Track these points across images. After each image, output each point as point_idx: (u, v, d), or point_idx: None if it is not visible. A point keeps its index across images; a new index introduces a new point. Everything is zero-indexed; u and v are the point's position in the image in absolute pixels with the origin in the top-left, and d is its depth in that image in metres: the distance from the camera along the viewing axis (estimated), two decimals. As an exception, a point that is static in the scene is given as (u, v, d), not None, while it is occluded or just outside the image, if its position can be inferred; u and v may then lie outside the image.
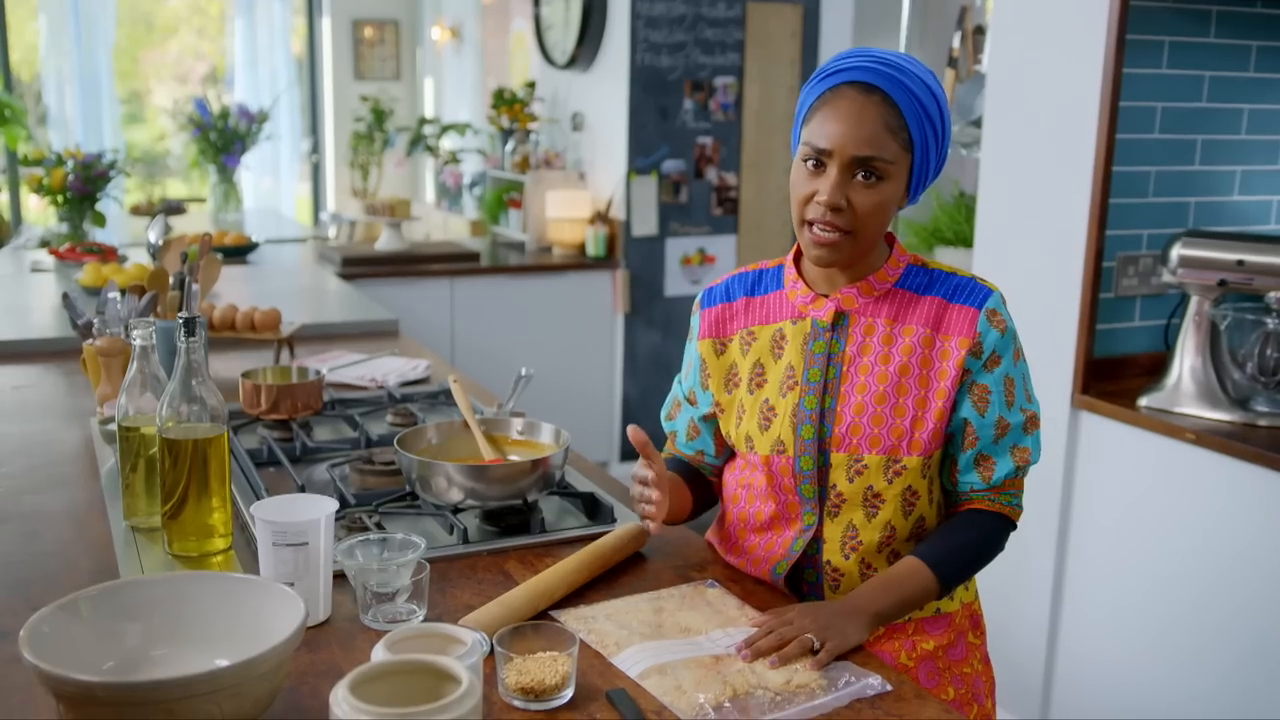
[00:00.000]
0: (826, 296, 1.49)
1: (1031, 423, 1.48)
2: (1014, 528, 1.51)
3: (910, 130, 1.40)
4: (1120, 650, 2.53)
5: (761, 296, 1.55)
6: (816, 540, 1.49)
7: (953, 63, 3.46)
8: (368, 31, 7.24)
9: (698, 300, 1.61)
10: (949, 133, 1.45)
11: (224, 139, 5.71)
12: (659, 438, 1.70)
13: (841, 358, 1.47)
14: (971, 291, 1.46)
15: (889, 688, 1.24)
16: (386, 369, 2.59)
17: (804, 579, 1.51)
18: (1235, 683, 2.28)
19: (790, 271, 1.53)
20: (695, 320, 1.60)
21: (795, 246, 1.54)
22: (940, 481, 1.51)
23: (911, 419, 1.44)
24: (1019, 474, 1.48)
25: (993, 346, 1.43)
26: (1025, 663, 2.72)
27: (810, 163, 1.42)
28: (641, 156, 4.66)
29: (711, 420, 1.59)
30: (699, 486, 1.63)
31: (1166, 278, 2.48)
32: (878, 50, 1.44)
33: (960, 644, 1.53)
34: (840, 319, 1.48)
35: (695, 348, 1.59)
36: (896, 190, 1.42)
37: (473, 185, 5.82)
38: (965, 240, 3.60)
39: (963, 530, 1.47)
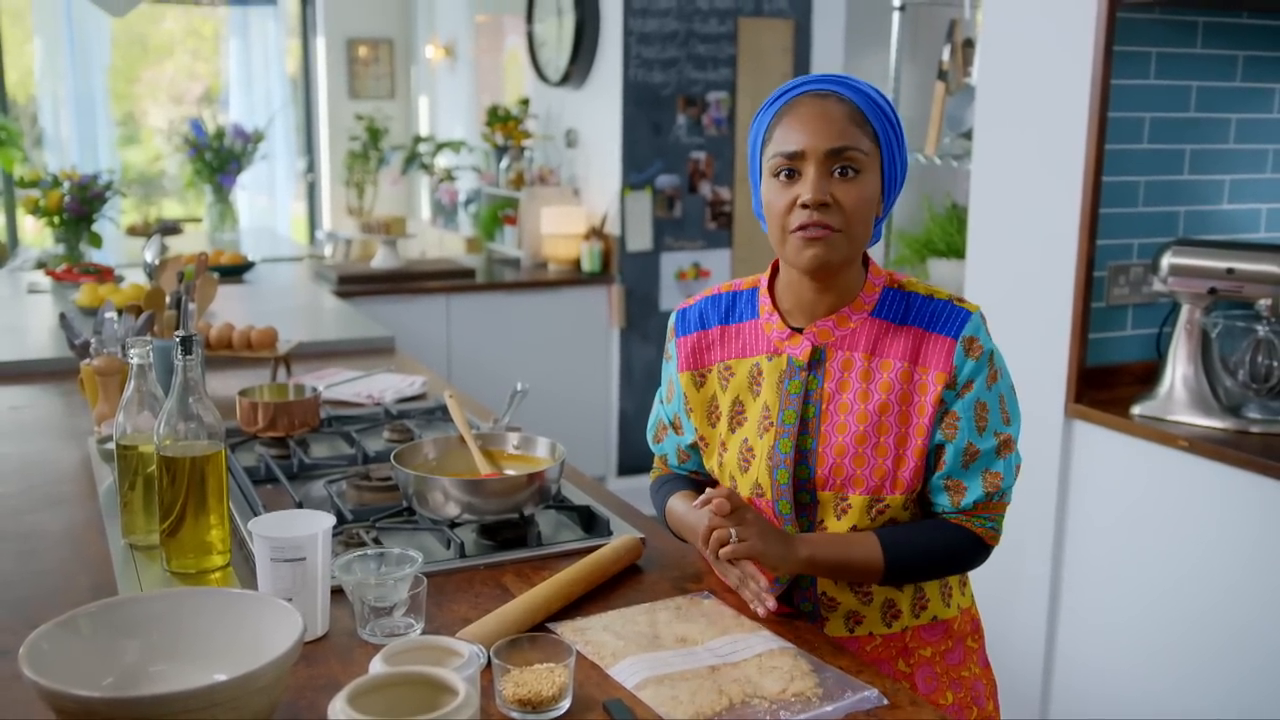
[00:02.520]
0: (801, 331, 1.46)
1: (1005, 446, 1.43)
2: (987, 550, 1.47)
3: (874, 125, 1.39)
4: (1117, 656, 2.53)
5: (737, 325, 1.52)
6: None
7: (943, 75, 3.49)
8: (362, 51, 7.27)
9: (672, 325, 1.57)
10: (904, 140, 1.44)
11: (219, 159, 5.73)
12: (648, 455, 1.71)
13: (820, 395, 1.44)
14: (949, 318, 1.42)
15: (885, 701, 1.25)
16: (383, 386, 2.60)
17: (799, 609, 1.50)
18: (1232, 688, 2.29)
19: (765, 301, 1.49)
20: (672, 347, 1.57)
21: (770, 268, 1.51)
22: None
23: (894, 458, 1.41)
24: (991, 499, 1.43)
25: (968, 375, 1.40)
26: (1023, 670, 2.73)
27: (783, 174, 1.39)
28: (635, 172, 4.68)
29: (697, 448, 1.58)
30: None
31: (1157, 286, 2.49)
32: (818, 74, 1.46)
33: (958, 649, 1.53)
34: (817, 354, 1.45)
35: (676, 377, 1.56)
36: (875, 185, 1.40)
37: (468, 202, 5.84)
38: (957, 251, 3.62)
39: (929, 530, 1.44)
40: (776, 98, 1.43)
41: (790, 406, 1.45)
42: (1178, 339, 2.47)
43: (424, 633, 1.37)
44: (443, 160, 6.35)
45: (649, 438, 1.67)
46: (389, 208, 6.99)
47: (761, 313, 1.50)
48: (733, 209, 4.86)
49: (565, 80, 4.88)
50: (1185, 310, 2.46)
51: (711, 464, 1.55)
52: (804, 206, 1.37)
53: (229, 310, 3.55)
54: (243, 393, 2.15)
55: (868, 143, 1.38)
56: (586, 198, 4.95)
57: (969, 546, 1.45)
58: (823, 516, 1.45)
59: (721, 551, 1.36)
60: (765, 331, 1.49)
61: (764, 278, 1.52)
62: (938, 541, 1.44)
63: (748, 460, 1.48)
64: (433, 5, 7.04)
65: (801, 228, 1.38)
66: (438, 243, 6.23)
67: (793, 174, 1.38)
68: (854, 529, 1.43)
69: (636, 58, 4.59)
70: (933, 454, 1.43)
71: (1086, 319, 2.56)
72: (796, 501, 1.45)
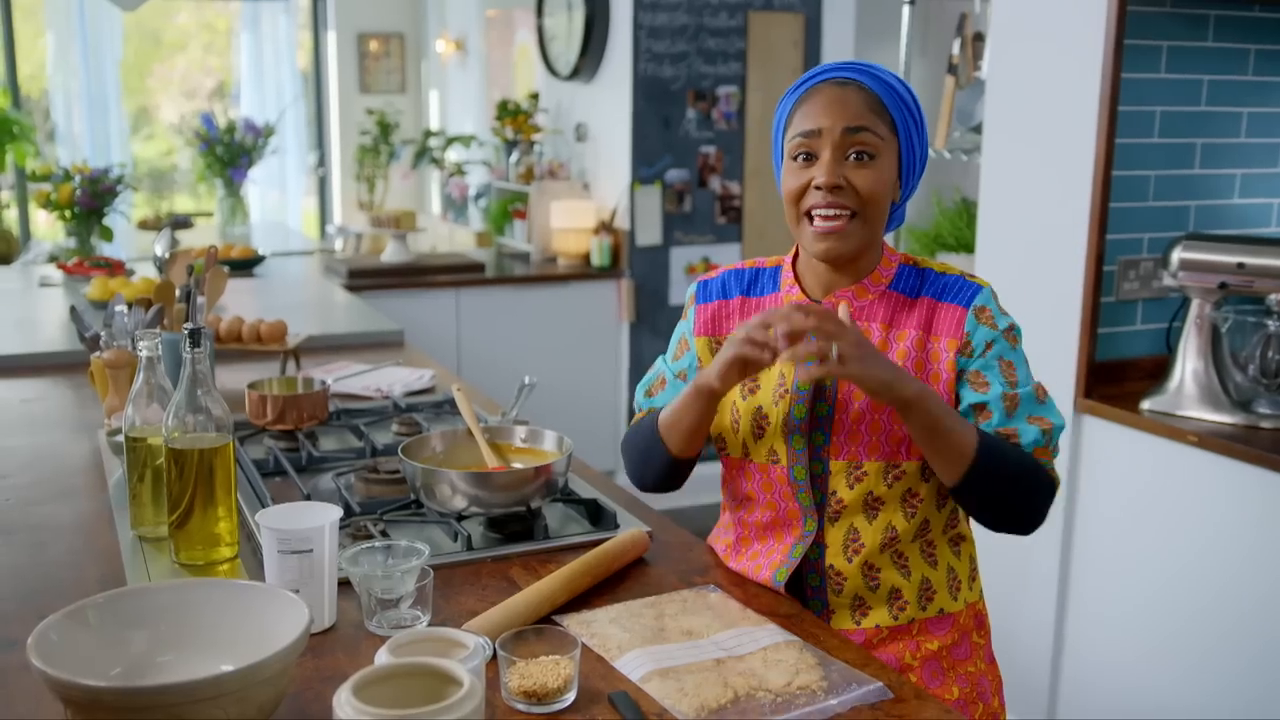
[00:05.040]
0: (821, 304, 1.49)
1: (1041, 391, 1.45)
2: (1053, 495, 1.46)
3: (892, 114, 1.42)
4: (1126, 652, 2.53)
5: (758, 298, 1.56)
6: (818, 545, 1.49)
7: (952, 69, 3.48)
8: (373, 45, 7.27)
9: (692, 292, 1.60)
10: (925, 127, 1.47)
11: (230, 153, 5.74)
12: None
13: None
14: (960, 290, 1.46)
15: (890, 695, 1.25)
16: (391, 379, 2.61)
17: (807, 583, 1.51)
18: (1242, 683, 2.29)
19: (788, 275, 1.54)
20: (691, 311, 1.60)
21: (794, 249, 1.54)
22: None
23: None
24: (1046, 440, 1.43)
25: (983, 339, 1.43)
26: (1031, 665, 2.73)
27: (800, 156, 1.42)
28: (645, 166, 4.68)
29: None
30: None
31: (1167, 281, 2.49)
32: (840, 61, 1.47)
33: (964, 643, 1.54)
34: None
35: (692, 339, 1.59)
36: (890, 173, 1.43)
37: (478, 197, 5.85)
38: (967, 246, 3.61)
39: (1016, 449, 1.42)
40: (801, 84, 1.46)
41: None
42: (1188, 334, 2.46)
43: (430, 625, 1.38)
44: (453, 155, 6.35)
45: (640, 392, 1.66)
46: (399, 202, 7.00)
47: (783, 286, 1.54)
48: (742, 203, 4.85)
49: (575, 74, 4.88)
50: (1195, 305, 2.46)
51: (724, 426, 1.54)
52: (818, 189, 1.40)
53: (239, 304, 3.56)
54: (252, 386, 2.16)
55: (884, 129, 1.41)
56: (596, 192, 4.95)
57: (1043, 480, 1.44)
58: (834, 487, 1.46)
59: (810, 370, 1.27)
60: (785, 303, 1.51)
61: (788, 257, 1.55)
62: (1025, 461, 1.42)
63: (762, 428, 1.50)
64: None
65: (814, 212, 1.41)
66: (448, 237, 6.24)
67: (810, 157, 1.42)
68: (870, 494, 1.45)
69: (646, 52, 4.59)
70: (968, 414, 1.43)
71: (1096, 314, 2.56)
72: (809, 470, 1.46)
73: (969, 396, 1.44)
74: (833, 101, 1.41)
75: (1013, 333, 1.46)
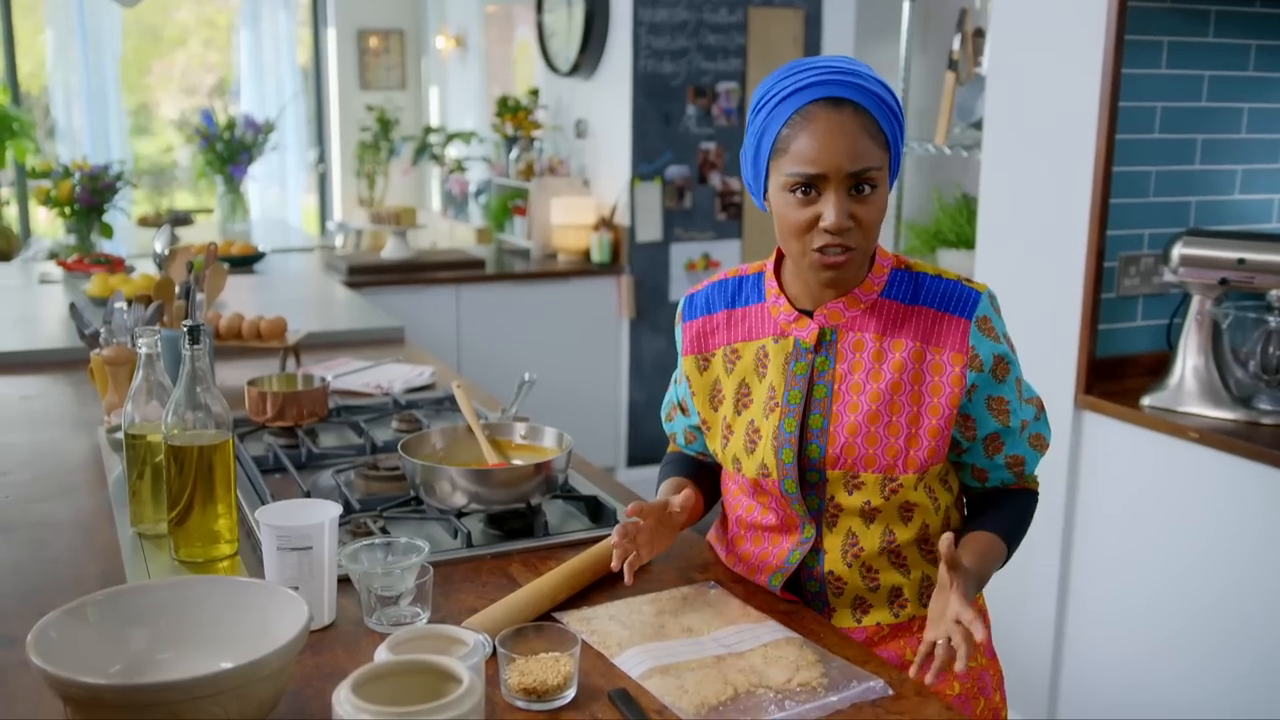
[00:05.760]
0: (810, 314, 1.46)
1: (1040, 407, 1.51)
2: (1038, 499, 1.58)
3: (884, 131, 1.39)
4: (1127, 649, 2.53)
5: (743, 309, 1.52)
6: (816, 551, 1.48)
7: (953, 65, 3.47)
8: (373, 41, 7.27)
9: (680, 310, 1.59)
10: (905, 124, 1.45)
11: (230, 150, 5.74)
12: (663, 439, 1.72)
13: (831, 375, 1.45)
14: (960, 299, 1.43)
15: (890, 692, 1.25)
16: (391, 376, 2.61)
17: (806, 589, 1.50)
18: (1243, 679, 2.28)
19: (772, 284, 1.50)
20: (678, 332, 1.58)
21: (775, 254, 1.51)
22: (960, 479, 1.53)
23: (906, 437, 1.42)
24: (1039, 461, 1.53)
25: (993, 355, 1.42)
26: (1032, 663, 2.73)
27: (799, 191, 1.37)
28: (645, 162, 4.67)
29: (702, 430, 1.59)
30: (707, 480, 1.64)
31: (1168, 277, 2.48)
32: (819, 60, 1.41)
33: (965, 638, 1.53)
34: (827, 336, 1.45)
35: (680, 361, 1.58)
36: (886, 192, 1.41)
37: (478, 193, 5.84)
38: (967, 242, 3.61)
39: (1012, 506, 1.53)
40: (783, 96, 1.39)
41: (796, 387, 1.46)
42: (1188, 330, 2.46)
43: (430, 622, 1.38)
44: (453, 151, 6.35)
45: (662, 416, 1.69)
46: (399, 198, 6.99)
47: (768, 296, 1.51)
48: (742, 199, 4.85)
49: (575, 70, 4.87)
50: (1196, 301, 2.45)
51: (714, 446, 1.55)
52: (826, 230, 1.37)
53: (239, 300, 3.56)
54: (252, 383, 2.16)
55: (880, 153, 1.38)
56: (596, 188, 4.94)
57: (1033, 504, 1.56)
58: (833, 493, 1.45)
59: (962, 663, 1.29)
60: (772, 314, 1.49)
61: (770, 262, 1.52)
62: (1027, 509, 1.55)
63: (754, 441, 1.48)
64: (443, -4, 7.04)
65: (823, 249, 1.38)
66: (448, 233, 6.23)
67: (810, 190, 1.38)
68: (868, 503, 1.44)
69: (646, 48, 4.58)
70: (985, 439, 1.47)
71: (1097, 310, 2.56)
72: (805, 480, 1.46)
73: (990, 423, 1.45)
74: (831, 134, 1.35)
75: (1010, 341, 1.46)
